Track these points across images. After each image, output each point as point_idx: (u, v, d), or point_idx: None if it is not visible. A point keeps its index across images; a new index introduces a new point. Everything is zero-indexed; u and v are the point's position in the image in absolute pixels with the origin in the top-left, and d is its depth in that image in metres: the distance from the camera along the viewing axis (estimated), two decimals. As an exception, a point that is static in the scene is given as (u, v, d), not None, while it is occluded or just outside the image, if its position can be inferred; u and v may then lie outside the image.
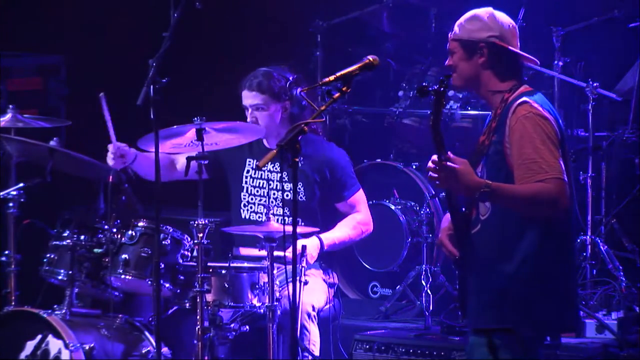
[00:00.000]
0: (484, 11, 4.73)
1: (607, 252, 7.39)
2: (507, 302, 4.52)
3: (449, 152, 4.39)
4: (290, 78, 6.35)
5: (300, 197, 6.27)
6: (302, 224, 5.94)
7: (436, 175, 4.39)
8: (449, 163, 4.36)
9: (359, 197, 6.41)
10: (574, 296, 4.66)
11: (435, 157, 4.38)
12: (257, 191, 6.46)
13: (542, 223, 4.49)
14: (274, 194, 6.40)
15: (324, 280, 6.32)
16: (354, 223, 6.37)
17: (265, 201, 6.39)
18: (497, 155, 4.55)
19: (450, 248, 4.65)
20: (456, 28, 4.71)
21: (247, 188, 6.47)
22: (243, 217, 6.46)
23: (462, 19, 4.74)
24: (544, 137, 4.47)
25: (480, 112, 7.93)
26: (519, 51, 4.75)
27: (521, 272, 4.49)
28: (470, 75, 4.67)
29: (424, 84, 4.44)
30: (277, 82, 6.31)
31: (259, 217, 6.39)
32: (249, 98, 6.33)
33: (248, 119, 6.34)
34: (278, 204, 6.30)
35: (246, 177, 6.48)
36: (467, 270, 4.60)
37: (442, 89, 4.35)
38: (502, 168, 4.53)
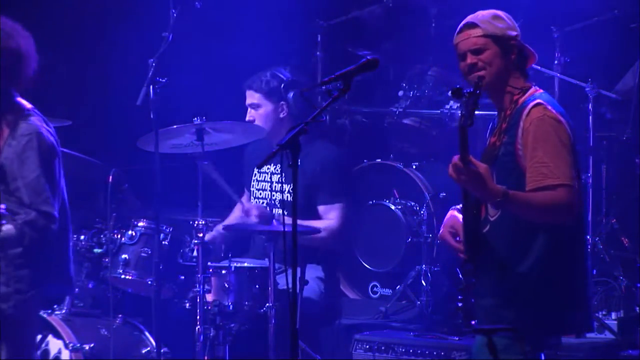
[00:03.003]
0: (499, 12, 4.65)
1: (607, 252, 7.39)
2: (514, 302, 4.50)
3: (470, 156, 4.36)
4: (286, 79, 6.36)
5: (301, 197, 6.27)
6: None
7: (457, 177, 4.36)
8: (472, 167, 4.33)
9: (336, 206, 6.36)
10: (585, 298, 4.60)
11: (457, 158, 4.34)
12: (261, 194, 6.48)
13: (552, 226, 4.48)
14: (275, 195, 6.40)
15: (320, 295, 6.30)
16: (321, 224, 6.32)
17: (267, 203, 6.39)
18: (507, 156, 4.52)
19: (453, 243, 4.63)
20: (481, 24, 4.58)
21: (253, 192, 6.51)
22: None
23: (483, 17, 4.60)
24: (557, 141, 4.45)
25: (480, 112, 7.90)
26: (533, 51, 4.71)
27: (532, 273, 4.46)
28: (502, 72, 4.58)
29: (457, 86, 4.36)
30: (272, 81, 6.34)
31: (265, 218, 6.41)
32: (247, 97, 6.45)
33: (247, 118, 6.39)
34: (278, 204, 6.31)
35: (253, 183, 6.52)
36: (476, 269, 4.56)
37: (477, 91, 4.32)
38: (513, 170, 4.50)
